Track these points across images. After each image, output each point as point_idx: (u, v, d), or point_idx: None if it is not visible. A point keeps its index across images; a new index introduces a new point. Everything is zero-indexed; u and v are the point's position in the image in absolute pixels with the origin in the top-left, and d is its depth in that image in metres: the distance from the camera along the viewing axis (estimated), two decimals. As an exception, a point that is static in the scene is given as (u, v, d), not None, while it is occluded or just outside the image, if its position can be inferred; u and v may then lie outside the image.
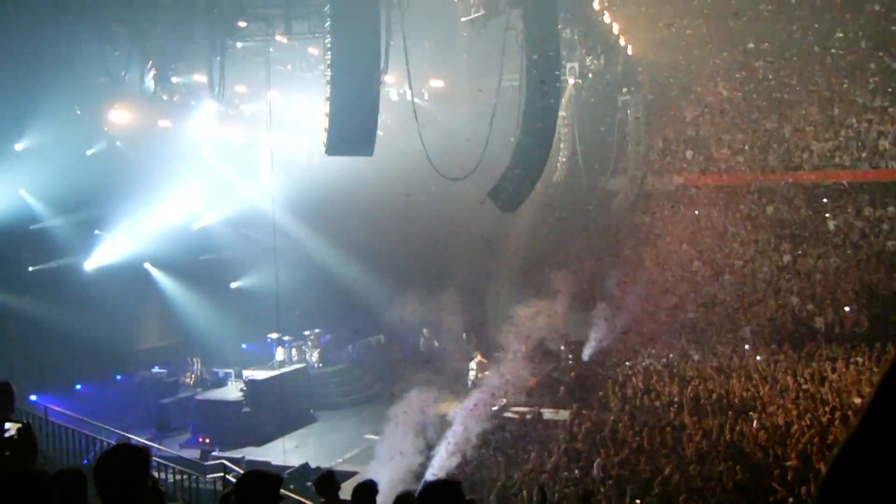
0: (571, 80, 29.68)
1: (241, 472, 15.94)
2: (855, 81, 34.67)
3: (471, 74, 25.57)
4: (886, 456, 0.87)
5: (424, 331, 30.03)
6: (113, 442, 15.48)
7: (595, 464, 16.32)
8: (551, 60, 20.45)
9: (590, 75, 30.58)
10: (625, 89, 34.46)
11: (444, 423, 19.61)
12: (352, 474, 16.78)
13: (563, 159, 31.82)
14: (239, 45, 22.03)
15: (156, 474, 13.63)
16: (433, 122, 20.90)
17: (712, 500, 13.97)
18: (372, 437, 21.12)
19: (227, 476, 16.08)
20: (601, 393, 22.54)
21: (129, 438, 17.09)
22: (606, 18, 26.69)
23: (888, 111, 33.71)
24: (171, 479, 15.36)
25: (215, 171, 28.25)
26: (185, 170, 26.52)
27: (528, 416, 21.54)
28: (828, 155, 33.39)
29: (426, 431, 19.08)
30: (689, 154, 36.14)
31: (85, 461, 15.56)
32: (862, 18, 34.99)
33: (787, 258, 32.03)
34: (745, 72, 35.06)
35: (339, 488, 9.19)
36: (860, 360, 23.84)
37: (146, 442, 17.93)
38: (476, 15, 20.41)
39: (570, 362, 26.36)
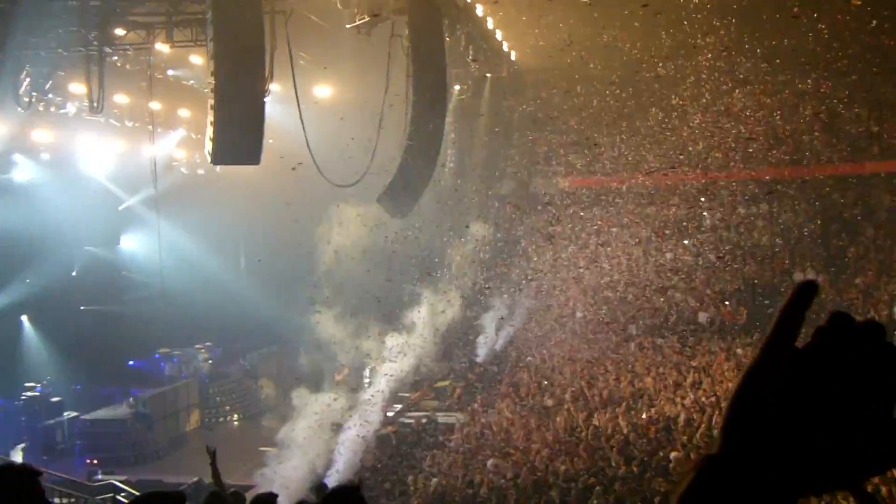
0: (457, 87, 29.99)
1: (132, 491, 15.59)
2: (731, 86, 36.03)
3: (358, 81, 25.47)
4: (754, 443, 0.94)
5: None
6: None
7: (489, 463, 16.53)
8: (437, 66, 20.65)
9: (469, 81, 30.97)
10: (509, 95, 34.97)
11: (339, 430, 19.54)
12: (248, 488, 16.56)
13: (451, 164, 32.07)
14: (117, 55, 21.43)
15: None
16: (320, 130, 20.78)
17: (603, 494, 14.33)
18: (267, 449, 20.86)
19: (116, 497, 15.70)
20: (495, 394, 22.84)
21: (11, 462, 16.43)
22: (490, 24, 27.02)
23: (755, 115, 35.16)
24: (58, 502, 14.88)
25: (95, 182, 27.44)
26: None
27: (424, 420, 21.68)
28: (703, 154, 34.62)
29: (322, 439, 18.98)
30: (572, 158, 36.94)
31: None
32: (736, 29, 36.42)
33: (668, 255, 33.10)
34: (624, 75, 36.04)
35: None
36: (740, 351, 24.82)
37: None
38: (360, 21, 20.40)
39: (464, 364, 26.61)
